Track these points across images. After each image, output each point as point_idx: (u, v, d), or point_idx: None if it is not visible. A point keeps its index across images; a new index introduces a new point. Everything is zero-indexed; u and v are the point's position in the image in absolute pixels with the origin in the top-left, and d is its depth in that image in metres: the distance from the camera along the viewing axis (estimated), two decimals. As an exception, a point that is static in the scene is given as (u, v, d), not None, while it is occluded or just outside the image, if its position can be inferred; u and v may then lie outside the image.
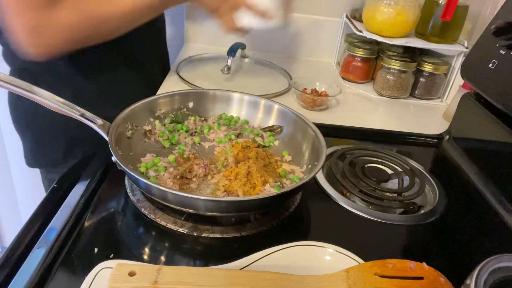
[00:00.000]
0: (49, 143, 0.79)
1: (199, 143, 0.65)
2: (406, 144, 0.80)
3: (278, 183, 0.55)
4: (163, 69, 0.98)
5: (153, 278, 0.36)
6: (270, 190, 0.52)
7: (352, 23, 1.06)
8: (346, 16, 1.13)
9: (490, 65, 0.66)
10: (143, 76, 0.85)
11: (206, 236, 0.49)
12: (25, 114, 0.78)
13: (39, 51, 0.60)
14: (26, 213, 1.42)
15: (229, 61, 0.94)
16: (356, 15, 1.11)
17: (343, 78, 1.09)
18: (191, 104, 0.69)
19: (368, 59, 1.04)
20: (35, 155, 0.82)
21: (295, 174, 0.58)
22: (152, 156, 0.58)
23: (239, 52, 1.03)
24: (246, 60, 1.11)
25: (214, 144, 0.65)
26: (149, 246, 0.47)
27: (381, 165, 0.68)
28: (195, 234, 0.49)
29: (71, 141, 0.78)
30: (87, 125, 0.52)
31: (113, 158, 0.49)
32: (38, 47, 0.59)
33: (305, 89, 0.90)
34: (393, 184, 0.65)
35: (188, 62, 1.04)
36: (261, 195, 0.51)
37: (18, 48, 0.59)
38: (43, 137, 0.79)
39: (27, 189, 1.48)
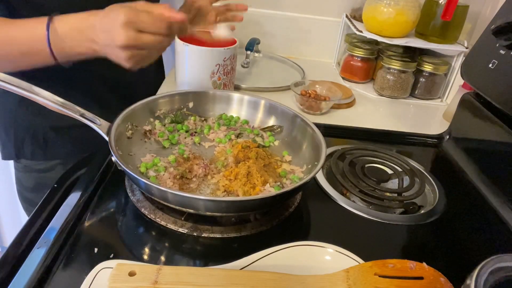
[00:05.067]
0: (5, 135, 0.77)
1: (199, 143, 0.65)
2: (406, 144, 0.80)
3: (278, 183, 0.55)
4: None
5: (153, 278, 0.36)
6: (270, 190, 0.52)
7: (352, 23, 1.06)
8: (346, 16, 1.13)
9: (490, 65, 0.66)
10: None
11: (206, 236, 0.49)
12: None
13: None
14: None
15: (249, 55, 1.03)
16: (356, 15, 1.11)
17: (343, 78, 1.09)
18: (191, 104, 0.69)
19: (368, 59, 1.04)
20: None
21: (295, 174, 0.58)
22: (152, 156, 0.58)
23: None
24: (257, 55, 1.14)
25: (214, 144, 0.65)
26: (149, 246, 0.47)
27: (381, 165, 0.68)
28: (195, 234, 0.49)
29: (21, 138, 0.76)
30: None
31: (113, 158, 0.49)
32: None
33: (303, 92, 0.88)
34: (393, 184, 0.65)
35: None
36: (261, 195, 0.51)
37: None
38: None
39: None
